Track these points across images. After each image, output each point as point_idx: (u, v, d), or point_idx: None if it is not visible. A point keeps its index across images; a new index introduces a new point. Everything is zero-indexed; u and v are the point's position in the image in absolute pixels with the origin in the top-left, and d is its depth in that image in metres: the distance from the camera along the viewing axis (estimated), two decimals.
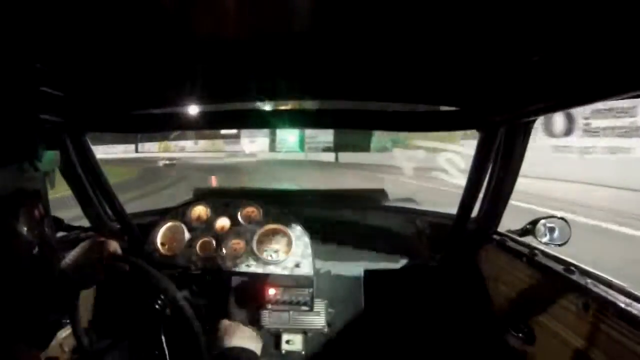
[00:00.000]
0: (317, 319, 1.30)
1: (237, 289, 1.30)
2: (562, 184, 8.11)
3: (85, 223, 1.37)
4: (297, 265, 1.29)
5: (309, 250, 1.32)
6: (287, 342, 1.29)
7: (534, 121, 1.02)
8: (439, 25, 0.52)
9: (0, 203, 0.52)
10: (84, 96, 0.93)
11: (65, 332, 1.04)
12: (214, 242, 1.35)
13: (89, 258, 0.80)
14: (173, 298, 0.83)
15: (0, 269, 0.54)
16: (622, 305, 0.73)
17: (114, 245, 0.86)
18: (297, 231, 1.36)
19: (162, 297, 1.01)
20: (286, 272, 1.29)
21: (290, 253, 1.32)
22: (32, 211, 0.58)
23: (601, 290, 0.81)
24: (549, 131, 9.51)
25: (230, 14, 0.49)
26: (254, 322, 1.25)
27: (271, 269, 1.29)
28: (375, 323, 1.36)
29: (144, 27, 0.53)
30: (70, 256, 0.80)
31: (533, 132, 1.06)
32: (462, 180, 1.25)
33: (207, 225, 1.39)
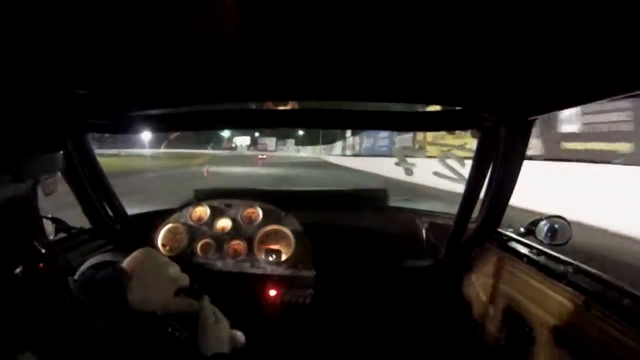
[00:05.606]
0: (318, 319, 1.30)
1: (237, 290, 1.30)
2: None
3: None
4: (298, 266, 1.29)
5: (309, 251, 1.32)
6: (289, 343, 1.29)
7: (534, 121, 1.02)
8: (438, 24, 0.51)
9: None
10: (84, 96, 0.93)
11: None
12: (214, 243, 1.35)
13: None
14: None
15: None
16: (624, 305, 0.73)
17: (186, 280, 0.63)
18: (297, 231, 1.36)
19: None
20: (287, 273, 1.29)
21: (291, 253, 1.32)
22: (28, 217, 0.56)
23: (602, 289, 0.81)
24: None
25: (231, 14, 0.49)
26: (255, 323, 1.25)
27: (272, 270, 1.29)
28: (376, 323, 1.36)
29: (145, 27, 0.53)
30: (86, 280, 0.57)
31: None
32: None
33: (207, 226, 1.39)
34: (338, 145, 33.08)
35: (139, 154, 23.95)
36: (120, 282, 0.54)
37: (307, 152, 48.87)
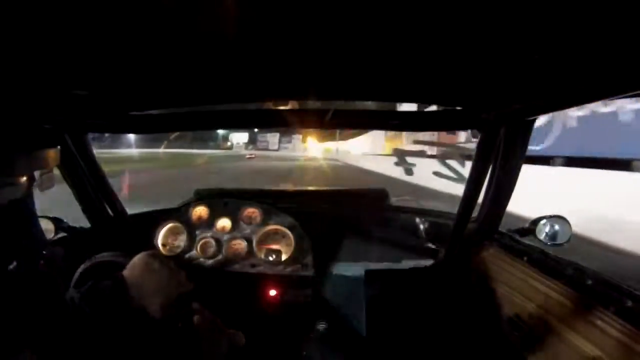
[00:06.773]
0: (319, 320, 1.30)
1: (237, 290, 1.30)
2: None
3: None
4: (298, 266, 1.29)
5: (310, 251, 1.32)
6: (289, 343, 1.29)
7: (534, 120, 1.02)
8: (439, 24, 0.51)
9: None
10: (84, 96, 0.93)
11: None
12: (214, 242, 1.35)
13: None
14: None
15: None
16: (624, 305, 0.73)
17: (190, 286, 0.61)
18: (297, 231, 1.35)
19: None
20: (287, 273, 1.29)
21: (291, 253, 1.32)
22: (25, 218, 0.55)
23: (602, 289, 0.81)
24: None
25: (231, 14, 0.49)
26: (255, 323, 1.25)
27: (272, 270, 1.29)
28: (376, 323, 1.36)
29: (144, 27, 0.53)
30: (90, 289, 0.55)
31: None
32: None
33: (207, 226, 1.39)
34: (371, 139, 20.77)
35: (109, 155, 19.89)
36: (122, 294, 0.54)
37: (319, 152, 39.32)
